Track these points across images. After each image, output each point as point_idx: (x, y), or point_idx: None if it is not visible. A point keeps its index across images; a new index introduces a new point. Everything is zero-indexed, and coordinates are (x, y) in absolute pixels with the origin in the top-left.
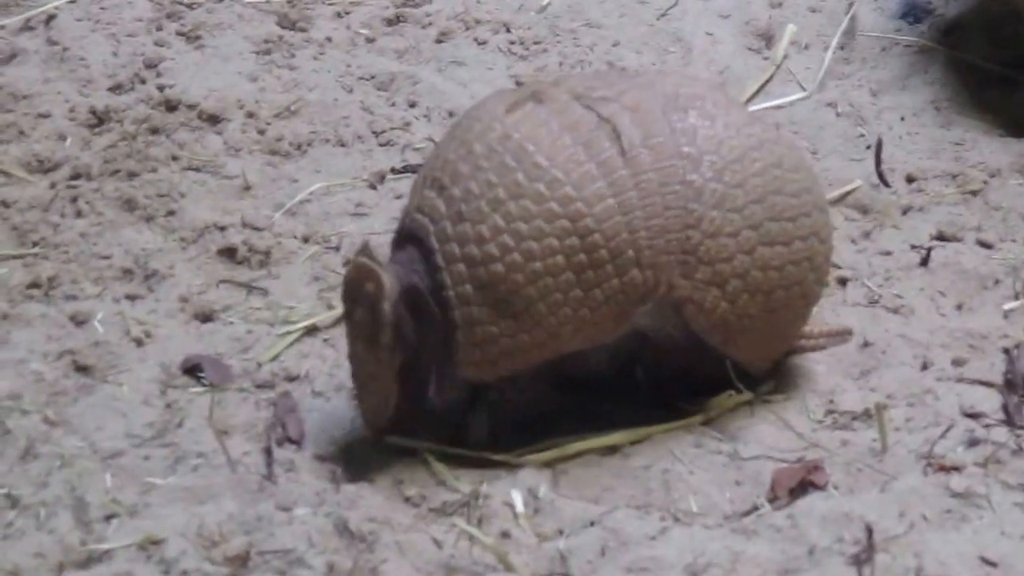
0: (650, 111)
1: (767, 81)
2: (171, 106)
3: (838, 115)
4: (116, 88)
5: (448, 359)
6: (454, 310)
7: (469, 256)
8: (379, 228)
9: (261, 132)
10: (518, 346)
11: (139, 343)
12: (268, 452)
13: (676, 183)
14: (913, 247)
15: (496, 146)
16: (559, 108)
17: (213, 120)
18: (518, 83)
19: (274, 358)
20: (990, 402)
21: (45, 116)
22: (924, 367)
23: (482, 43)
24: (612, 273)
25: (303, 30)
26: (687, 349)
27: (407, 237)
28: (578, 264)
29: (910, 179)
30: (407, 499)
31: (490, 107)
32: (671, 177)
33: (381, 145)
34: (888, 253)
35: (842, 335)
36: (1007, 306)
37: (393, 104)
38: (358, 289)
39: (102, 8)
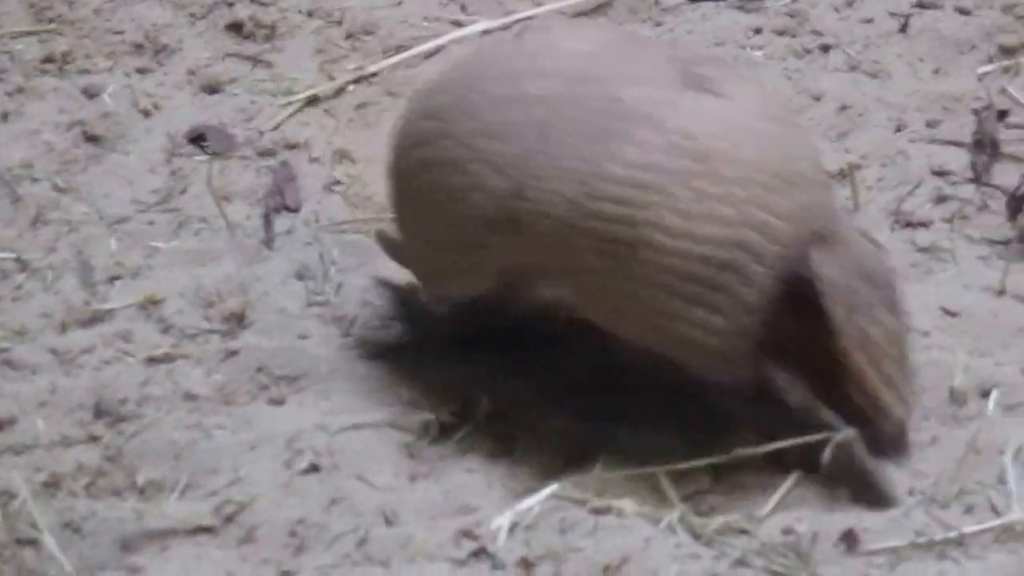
0: None
1: None
2: None
3: None
4: None
5: None
6: None
7: None
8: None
9: None
10: None
11: (147, 114)
12: (267, 218)
13: None
14: (893, 14)
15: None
16: None
17: None
18: None
19: (276, 127)
20: (959, 161)
21: None
22: (898, 129)
23: None
24: None
25: None
26: None
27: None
28: None
29: None
30: None
31: None
32: None
33: None
34: (869, 20)
35: None
36: (981, 69)
37: None
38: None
39: None
